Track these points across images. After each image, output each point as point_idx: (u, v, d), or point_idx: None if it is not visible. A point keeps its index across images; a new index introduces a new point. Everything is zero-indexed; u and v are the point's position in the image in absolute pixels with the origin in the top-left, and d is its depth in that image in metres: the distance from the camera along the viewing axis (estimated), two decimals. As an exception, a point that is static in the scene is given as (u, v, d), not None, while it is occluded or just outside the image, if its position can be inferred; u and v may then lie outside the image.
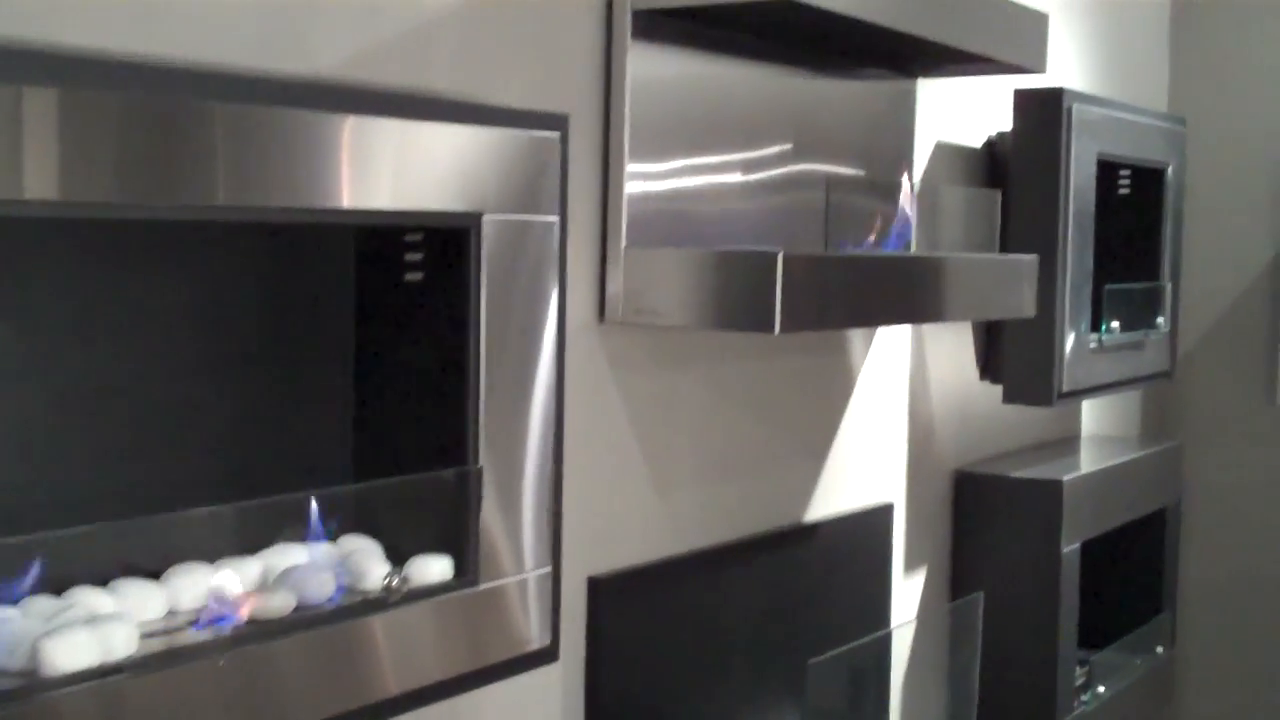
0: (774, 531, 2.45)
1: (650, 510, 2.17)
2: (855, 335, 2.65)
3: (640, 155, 2.02)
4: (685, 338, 2.20)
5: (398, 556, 1.54)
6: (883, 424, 2.77)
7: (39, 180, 1.17)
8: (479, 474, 1.53)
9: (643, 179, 2.02)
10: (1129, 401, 3.96)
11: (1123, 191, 3.41)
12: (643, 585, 2.14)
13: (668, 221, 2.08)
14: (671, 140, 2.08)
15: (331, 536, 1.54)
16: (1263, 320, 3.98)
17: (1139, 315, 3.27)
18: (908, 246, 2.41)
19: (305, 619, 1.39)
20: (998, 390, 3.01)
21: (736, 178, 2.22)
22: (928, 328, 2.89)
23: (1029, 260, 2.57)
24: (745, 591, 2.36)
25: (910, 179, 2.34)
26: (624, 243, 2.00)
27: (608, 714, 2.06)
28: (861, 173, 2.51)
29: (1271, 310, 3.94)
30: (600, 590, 2.05)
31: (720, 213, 2.19)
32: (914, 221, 2.26)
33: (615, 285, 2.00)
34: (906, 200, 2.24)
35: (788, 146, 2.32)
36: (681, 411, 2.22)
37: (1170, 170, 3.42)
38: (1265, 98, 3.98)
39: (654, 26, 2.01)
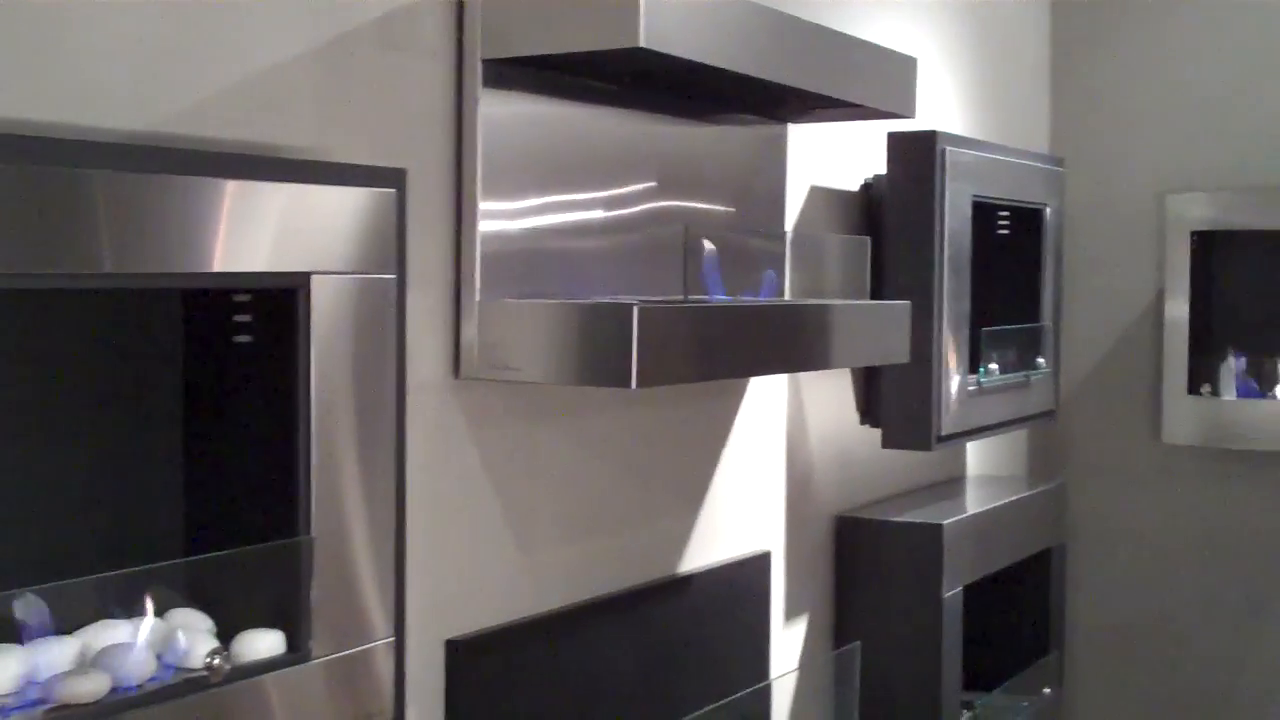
0: (647, 585, 2.40)
1: (513, 568, 2.12)
2: (728, 382, 2.61)
3: (497, 199, 1.97)
4: (547, 391, 2.15)
5: (230, 631, 1.48)
6: (760, 471, 2.73)
7: None
8: (310, 544, 1.47)
9: (500, 219, 1.98)
10: (1015, 441, 3.96)
11: (1002, 232, 3.41)
12: (506, 646, 2.08)
13: (527, 264, 2.03)
14: (529, 183, 2.04)
15: (159, 611, 1.48)
16: (1147, 358, 4.00)
17: (1019, 356, 3.27)
18: (779, 293, 2.39)
19: (119, 703, 1.32)
20: (879, 434, 2.99)
21: (598, 215, 2.18)
22: (805, 374, 2.86)
23: (901, 306, 2.55)
24: (618, 648, 2.32)
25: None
26: (478, 296, 1.95)
27: (467, 779, 2.00)
28: (731, 209, 2.48)
29: (1155, 348, 3.96)
30: (459, 653, 2.00)
31: (582, 254, 2.15)
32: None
33: (470, 340, 1.96)
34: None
35: (652, 184, 2.29)
36: (545, 466, 2.17)
37: (1049, 211, 3.42)
38: (1146, 137, 4.01)
39: (506, 74, 1.97)
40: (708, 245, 2.15)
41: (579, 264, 2.14)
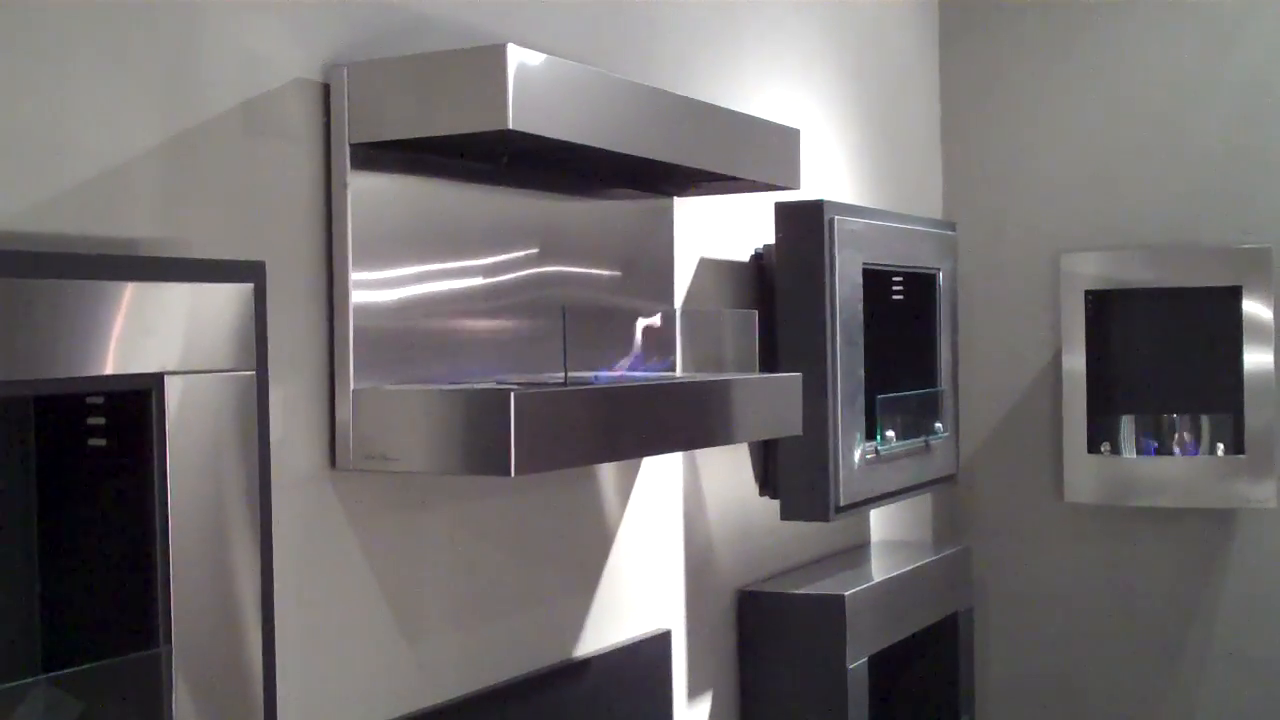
0: (543, 670, 2.35)
1: (400, 660, 2.06)
2: (620, 461, 2.58)
3: (370, 281, 1.93)
4: (429, 478, 2.11)
5: (88, 749, 1.42)
6: (657, 547, 2.70)
7: None
8: (169, 655, 1.42)
9: (375, 299, 1.94)
10: (919, 506, 3.95)
11: (896, 298, 3.41)
12: (394, 742, 2.03)
13: (404, 345, 1.99)
14: (404, 262, 2.00)
15: (15, 729, 1.41)
16: (1047, 418, 4.02)
17: (917, 422, 3.26)
18: (669, 369, 2.36)
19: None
20: (779, 506, 2.96)
21: (478, 283, 2.14)
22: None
23: (792, 378, 2.53)
24: (512, 737, 2.26)
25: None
26: (352, 384, 1.91)
27: None
28: (617, 273, 2.46)
29: (1054, 407, 3.97)
30: (344, 752, 1.94)
31: (462, 331, 2.11)
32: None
33: (345, 429, 1.91)
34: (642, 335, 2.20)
35: (533, 251, 2.25)
36: (429, 554, 2.12)
37: (942, 274, 3.43)
38: (1039, 197, 4.04)
39: (376, 157, 1.94)
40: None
41: (459, 341, 2.10)
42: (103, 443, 1.47)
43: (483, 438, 1.83)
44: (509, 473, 1.81)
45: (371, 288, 1.94)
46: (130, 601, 1.46)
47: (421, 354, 2.02)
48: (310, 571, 1.89)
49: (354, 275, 1.91)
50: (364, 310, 1.93)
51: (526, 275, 2.24)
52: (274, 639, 1.57)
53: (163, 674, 1.42)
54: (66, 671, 1.40)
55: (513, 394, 1.80)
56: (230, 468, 1.52)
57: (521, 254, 2.24)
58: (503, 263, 2.19)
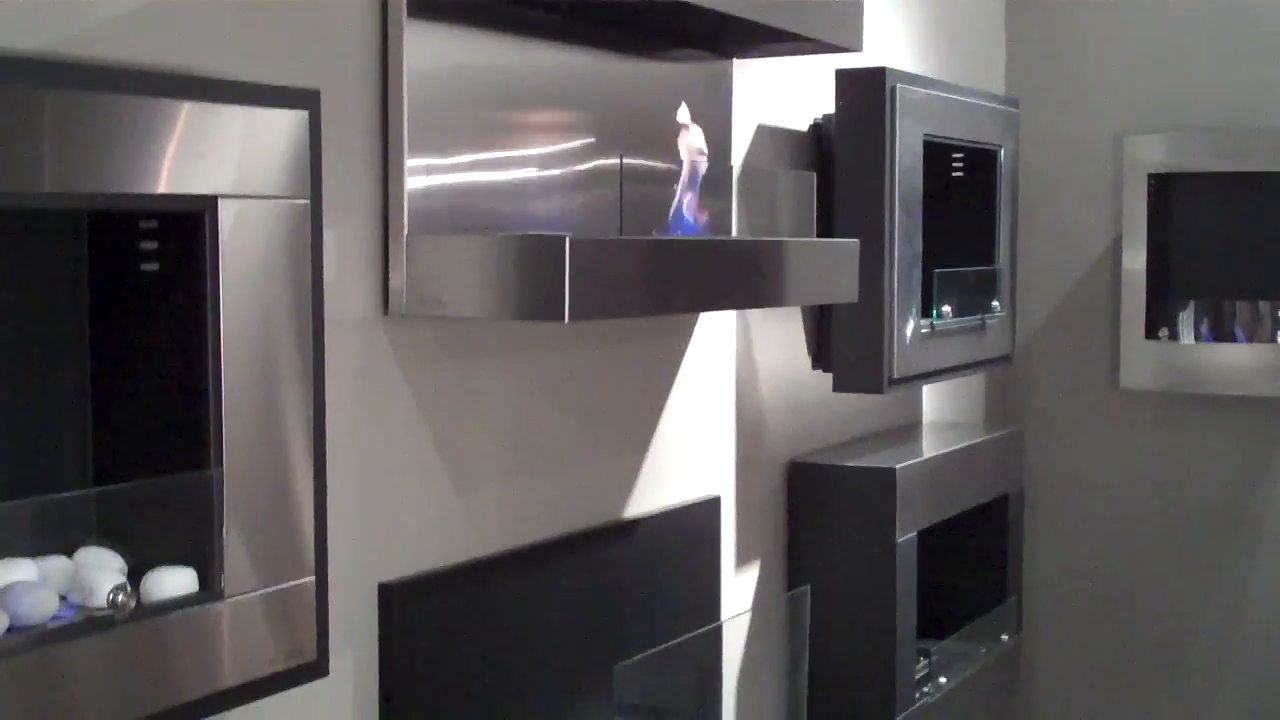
0: (591, 529, 2.35)
1: (450, 511, 2.07)
2: (674, 323, 2.56)
3: (425, 133, 1.91)
4: (483, 328, 2.10)
5: (141, 570, 1.42)
6: (709, 415, 2.69)
7: None
8: (219, 478, 1.42)
9: (429, 154, 1.92)
10: (972, 388, 3.93)
11: (956, 174, 3.36)
12: (443, 590, 2.03)
13: (457, 200, 1.98)
14: (460, 117, 1.98)
15: (67, 551, 1.42)
16: (1105, 303, 3.96)
17: (973, 299, 3.22)
18: (722, 230, 2.33)
19: (17, 643, 1.27)
20: (831, 379, 2.94)
21: (534, 151, 2.12)
22: (754, 316, 2.81)
23: (850, 244, 2.50)
24: (562, 593, 2.27)
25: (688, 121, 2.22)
26: (406, 230, 1.89)
27: (404, 716, 1.95)
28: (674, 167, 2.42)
29: (1113, 292, 3.92)
30: (393, 597, 1.95)
31: (516, 190, 2.09)
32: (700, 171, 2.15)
33: (399, 276, 1.90)
34: (686, 146, 2.14)
35: (590, 140, 2.23)
36: (482, 406, 2.12)
37: (1003, 152, 3.37)
38: (1103, 78, 3.96)
39: (433, 3, 1.91)
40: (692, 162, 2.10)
41: (511, 204, 2.08)
42: (155, 266, 1.46)
43: (538, 283, 1.81)
44: (563, 318, 1.80)
45: (426, 136, 1.92)
46: (181, 425, 1.46)
47: (472, 212, 2.00)
48: (361, 416, 1.89)
49: (409, 126, 1.89)
50: (417, 162, 1.90)
51: (583, 138, 2.21)
52: (325, 473, 1.57)
53: (213, 497, 1.42)
54: (117, 486, 1.40)
55: (568, 239, 1.79)
56: (283, 299, 1.51)
57: (579, 114, 2.21)
58: (559, 123, 2.17)
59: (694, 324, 2.61)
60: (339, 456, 1.76)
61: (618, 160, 2.21)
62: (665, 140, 2.25)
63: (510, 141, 2.08)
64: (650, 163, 2.18)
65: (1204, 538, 3.92)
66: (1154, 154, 3.82)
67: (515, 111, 2.09)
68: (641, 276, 1.96)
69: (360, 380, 1.88)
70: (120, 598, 1.33)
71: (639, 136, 2.31)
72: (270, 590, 1.50)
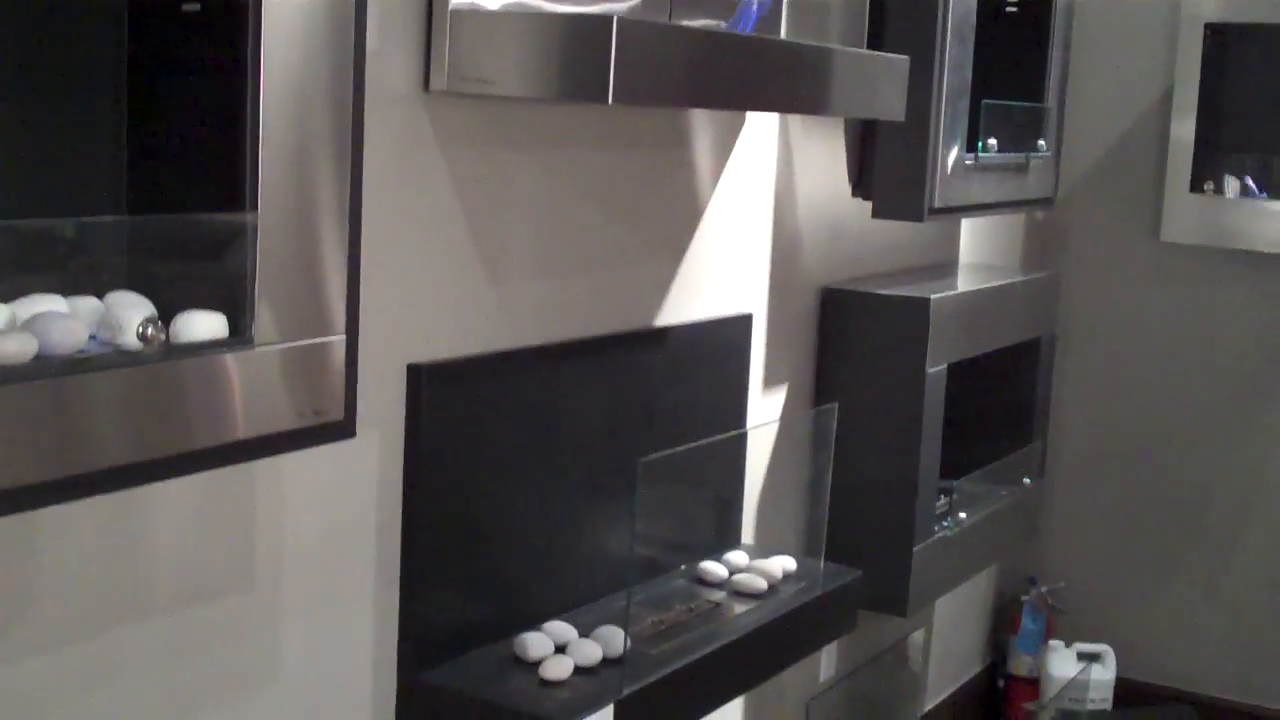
0: (623, 332, 2.34)
1: (483, 299, 2.05)
2: (716, 134, 2.52)
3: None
4: (524, 115, 2.07)
5: (170, 315, 1.41)
6: (745, 232, 2.66)
7: None
8: (254, 222, 1.40)
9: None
10: (1011, 230, 3.88)
11: (1011, 8, 3.29)
12: (471, 376, 2.03)
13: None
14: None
15: (97, 294, 1.41)
16: (1152, 152, 3.90)
17: (1019, 136, 3.17)
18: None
19: (48, 367, 1.26)
20: (870, 209, 2.90)
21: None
22: (796, 136, 2.77)
23: (900, 59, 2.45)
24: (589, 393, 2.26)
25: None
26: (451, 3, 1.85)
27: (427, 498, 1.96)
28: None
29: (1160, 143, 3.86)
30: (421, 378, 1.94)
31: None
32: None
33: (440, 49, 1.86)
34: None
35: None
36: (520, 196, 2.09)
37: (1060, -12, 3.30)
38: (1166, -76, 3.87)
39: None
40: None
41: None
42: (197, 7, 1.43)
43: (583, 62, 1.78)
44: (606, 99, 1.76)
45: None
46: (218, 169, 1.44)
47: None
48: (395, 189, 1.86)
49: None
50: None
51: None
52: (359, 235, 1.54)
53: (247, 240, 1.40)
54: (150, 217, 1.38)
55: (616, 18, 1.75)
56: (325, 59, 1.47)
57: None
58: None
59: (736, 136, 2.57)
60: (372, 227, 1.74)
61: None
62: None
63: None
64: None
65: (1234, 391, 3.90)
66: (1211, 3, 3.73)
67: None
68: (687, 65, 1.92)
69: (397, 155, 1.86)
70: (150, 330, 1.31)
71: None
72: (299, 344, 1.48)
